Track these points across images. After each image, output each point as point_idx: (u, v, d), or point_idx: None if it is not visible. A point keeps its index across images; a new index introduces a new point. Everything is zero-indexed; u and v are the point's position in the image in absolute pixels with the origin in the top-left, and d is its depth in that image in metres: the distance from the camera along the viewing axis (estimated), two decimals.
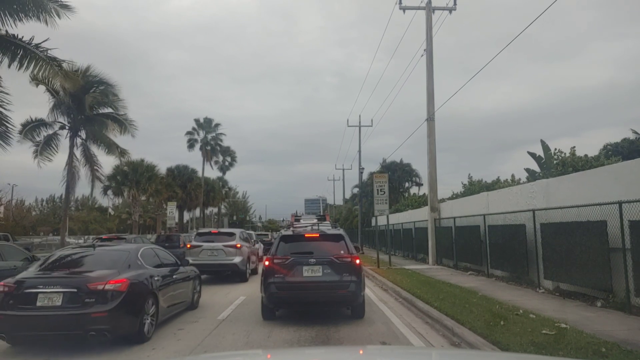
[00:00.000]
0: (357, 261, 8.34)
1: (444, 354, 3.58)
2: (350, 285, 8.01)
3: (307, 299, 8.14)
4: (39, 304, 6.26)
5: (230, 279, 15.09)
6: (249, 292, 12.29)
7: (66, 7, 15.79)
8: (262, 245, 24.41)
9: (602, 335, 6.14)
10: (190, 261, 14.10)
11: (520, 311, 7.89)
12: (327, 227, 10.39)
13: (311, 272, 8.05)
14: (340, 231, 9.41)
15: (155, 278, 7.67)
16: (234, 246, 15.08)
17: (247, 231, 22.79)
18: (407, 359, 2.79)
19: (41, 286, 6.39)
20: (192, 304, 9.71)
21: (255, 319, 8.57)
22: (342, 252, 8.36)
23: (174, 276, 8.65)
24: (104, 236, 21.98)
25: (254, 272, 16.65)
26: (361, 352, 3.28)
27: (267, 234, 39.29)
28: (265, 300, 8.28)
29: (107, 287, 6.46)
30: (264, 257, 8.58)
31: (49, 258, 7.66)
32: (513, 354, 4.59)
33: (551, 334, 6.20)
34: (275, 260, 8.24)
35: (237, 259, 14.88)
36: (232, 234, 15.85)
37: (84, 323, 6.21)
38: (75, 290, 6.36)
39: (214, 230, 17.79)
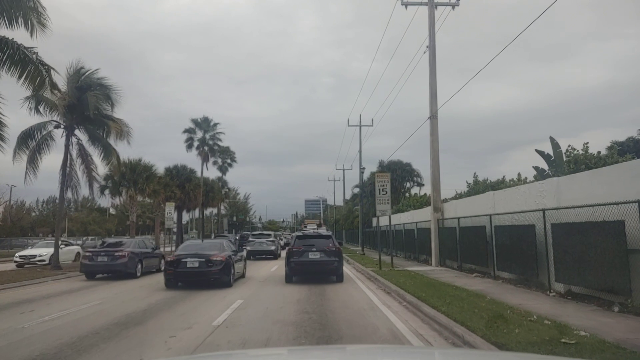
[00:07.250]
0: (339, 250, 14.80)
1: (444, 353, 3.57)
2: (334, 262, 14.35)
3: (311, 270, 14.46)
4: (188, 266, 13.22)
5: (266, 259, 27.46)
6: (247, 295, 11.85)
7: (43, 24, 14.92)
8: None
9: (627, 344, 5.65)
10: (249, 248, 27.12)
11: (534, 317, 7.40)
12: (323, 231, 16.92)
13: (313, 255, 14.32)
14: (329, 233, 16.60)
15: (232, 256, 14.24)
16: (271, 241, 29.76)
17: (277, 232, 46.19)
18: (407, 359, 2.72)
19: (188, 258, 13.30)
20: (243, 274, 16.33)
21: (252, 325, 8.09)
22: (330, 245, 14.72)
23: (237, 257, 15.09)
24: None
25: (279, 256, 28.16)
26: (361, 352, 3.18)
27: None
28: (287, 271, 14.51)
29: (217, 258, 13.35)
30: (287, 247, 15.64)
31: (184, 244, 15.58)
32: (513, 354, 4.33)
33: (571, 342, 5.72)
34: (293, 249, 14.57)
35: (273, 247, 28.83)
36: (269, 234, 32.10)
37: (209, 275, 13.19)
38: (204, 260, 13.26)
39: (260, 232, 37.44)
